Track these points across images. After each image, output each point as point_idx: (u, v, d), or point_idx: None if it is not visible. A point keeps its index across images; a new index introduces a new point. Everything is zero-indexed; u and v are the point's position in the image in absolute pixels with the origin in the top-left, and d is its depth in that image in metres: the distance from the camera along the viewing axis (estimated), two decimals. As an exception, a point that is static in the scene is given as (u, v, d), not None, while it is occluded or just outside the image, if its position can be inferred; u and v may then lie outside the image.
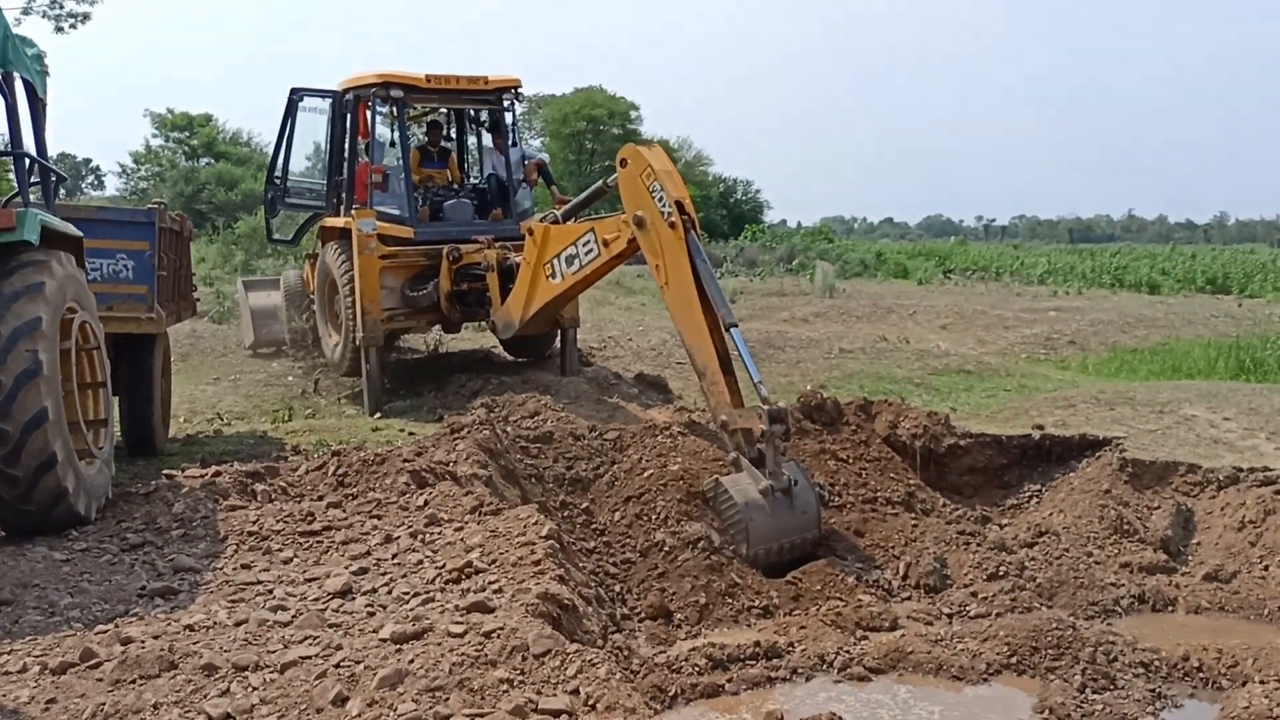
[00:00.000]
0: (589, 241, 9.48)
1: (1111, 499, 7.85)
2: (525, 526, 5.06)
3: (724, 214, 44.57)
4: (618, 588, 7.05)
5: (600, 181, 10.15)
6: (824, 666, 5.53)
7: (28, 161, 5.95)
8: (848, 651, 5.62)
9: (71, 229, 6.11)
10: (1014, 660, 5.49)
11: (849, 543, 7.87)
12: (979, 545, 7.30)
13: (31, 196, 6.19)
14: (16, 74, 5.76)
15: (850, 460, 8.75)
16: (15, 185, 6.05)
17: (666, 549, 7.50)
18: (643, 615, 6.69)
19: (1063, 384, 11.91)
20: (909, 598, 6.94)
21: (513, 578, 4.52)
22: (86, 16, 20.74)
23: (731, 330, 7.97)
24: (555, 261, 9.82)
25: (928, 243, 55.49)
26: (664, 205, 8.31)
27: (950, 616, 6.54)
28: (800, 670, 5.49)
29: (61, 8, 20.55)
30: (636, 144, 8.98)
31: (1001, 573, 6.85)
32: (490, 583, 4.48)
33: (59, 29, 20.57)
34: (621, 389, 11.26)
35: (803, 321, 17.15)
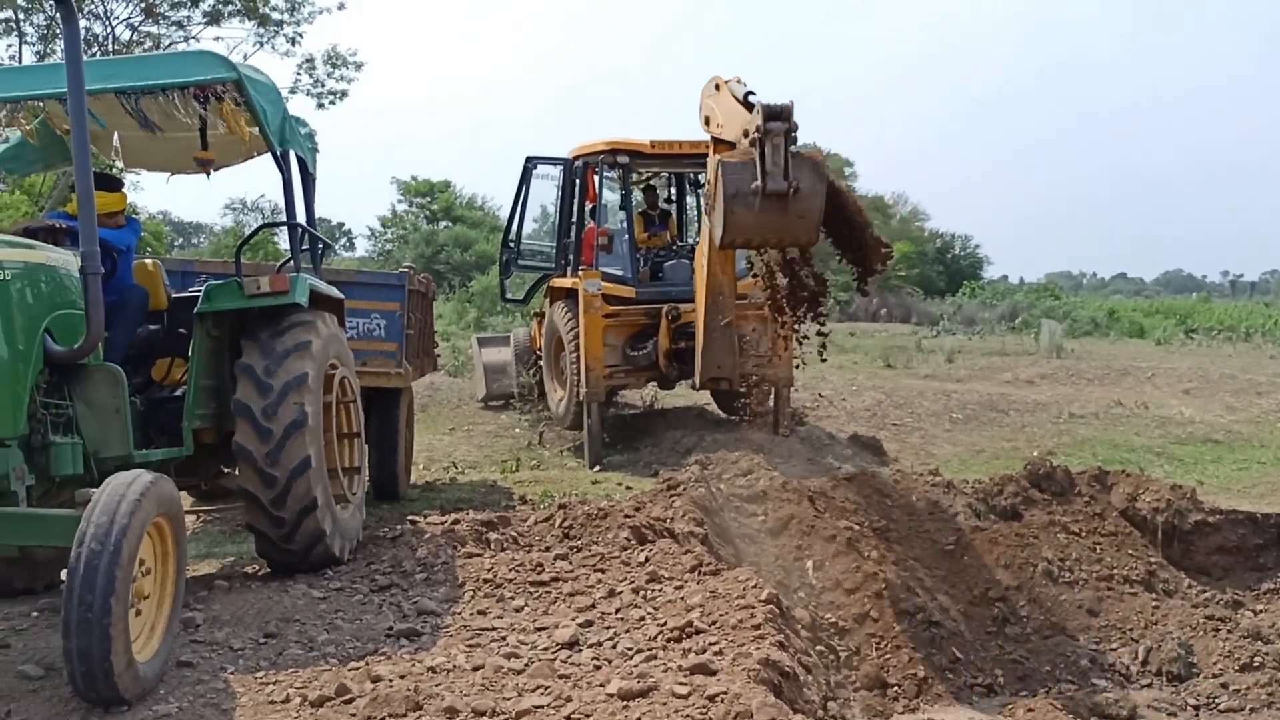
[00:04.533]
0: None
1: (1386, 589, 7.13)
2: (744, 589, 5.11)
3: (940, 270, 43.37)
4: (831, 655, 6.98)
5: None
6: (1054, 754, 5.28)
7: (299, 230, 6.57)
8: (1081, 740, 5.34)
9: (335, 292, 6.69)
10: (1272, 763, 5.07)
11: (1081, 621, 7.49)
12: (1230, 632, 6.78)
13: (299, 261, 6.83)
14: (292, 151, 6.39)
15: (1083, 534, 8.34)
16: (280, 248, 6.74)
17: (881, 617, 7.37)
18: (858, 685, 6.58)
19: (1326, 458, 10.91)
20: (1149, 685, 6.52)
21: (733, 640, 4.58)
22: (344, 94, 22.70)
23: None
24: None
25: (1166, 299, 51.94)
26: None
27: (1197, 709, 6.10)
28: (1028, 756, 5.26)
29: (323, 86, 22.59)
30: None
31: (1257, 664, 6.34)
32: (711, 644, 4.56)
33: (320, 105, 22.60)
34: (835, 449, 11.17)
35: (1028, 383, 16.45)
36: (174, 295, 6.46)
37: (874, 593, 7.71)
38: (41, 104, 5.43)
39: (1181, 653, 6.72)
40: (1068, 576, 7.68)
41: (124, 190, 6.21)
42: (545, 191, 13.37)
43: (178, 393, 5.94)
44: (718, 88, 8.30)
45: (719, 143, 8.38)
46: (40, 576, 5.95)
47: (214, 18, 21.54)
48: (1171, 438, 12.19)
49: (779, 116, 6.88)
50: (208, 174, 5.82)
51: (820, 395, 14.19)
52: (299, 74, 22.43)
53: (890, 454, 11.31)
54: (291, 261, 6.51)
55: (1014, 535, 8.63)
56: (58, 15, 4.77)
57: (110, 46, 20.12)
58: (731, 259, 9.52)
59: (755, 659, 4.27)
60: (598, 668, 4.44)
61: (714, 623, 4.78)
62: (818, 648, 6.73)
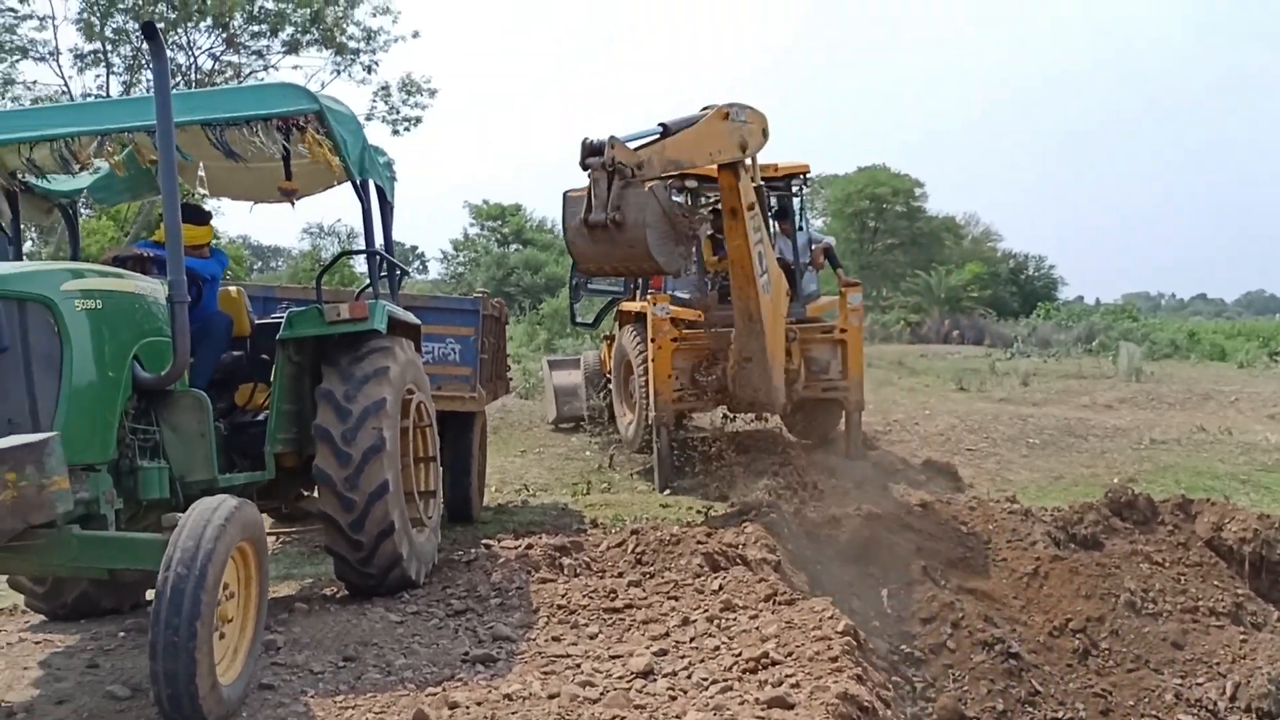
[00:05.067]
0: None
1: None
2: (821, 619, 5.05)
3: (1014, 291, 42.67)
4: (906, 687, 6.86)
5: None
6: (1143, 794, 5.11)
7: (378, 258, 6.67)
8: (1171, 780, 5.17)
9: (411, 318, 6.78)
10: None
11: (1166, 655, 7.29)
12: (1326, 670, 6.53)
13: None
14: (371, 180, 6.50)
15: (1167, 564, 8.12)
16: (355, 272, 6.83)
17: (959, 648, 7.23)
18: (935, 717, 6.46)
19: None
20: (1239, 723, 6.30)
21: (810, 673, 4.52)
22: (418, 120, 23.14)
23: None
24: None
25: (1249, 321, 50.41)
26: None
27: (1291, 750, 5.87)
28: (1115, 796, 5.10)
29: (397, 114, 23.08)
30: None
31: (1355, 704, 6.09)
32: (787, 676, 4.50)
33: (395, 132, 23.07)
34: (908, 475, 11.01)
35: (1106, 408, 16.06)
36: (256, 321, 6.60)
37: (951, 623, 7.59)
38: (129, 136, 5.59)
39: (1272, 689, 6.51)
40: (1151, 608, 7.48)
41: (211, 224, 6.38)
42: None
43: (260, 417, 6.07)
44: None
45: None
46: (126, 597, 6.11)
47: (293, 47, 22.12)
48: (1257, 464, 11.79)
49: (597, 152, 7.55)
50: (292, 203, 5.95)
51: (893, 420, 14.00)
52: (374, 101, 22.91)
53: (965, 480, 11.11)
54: (370, 288, 6.60)
55: (1095, 565, 8.44)
56: (147, 49, 4.90)
57: (193, 76, 20.75)
58: (753, 284, 9.77)
59: (834, 693, 4.21)
60: (673, 698, 4.41)
61: (790, 654, 4.72)
62: (893, 679, 6.61)
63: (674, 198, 11.98)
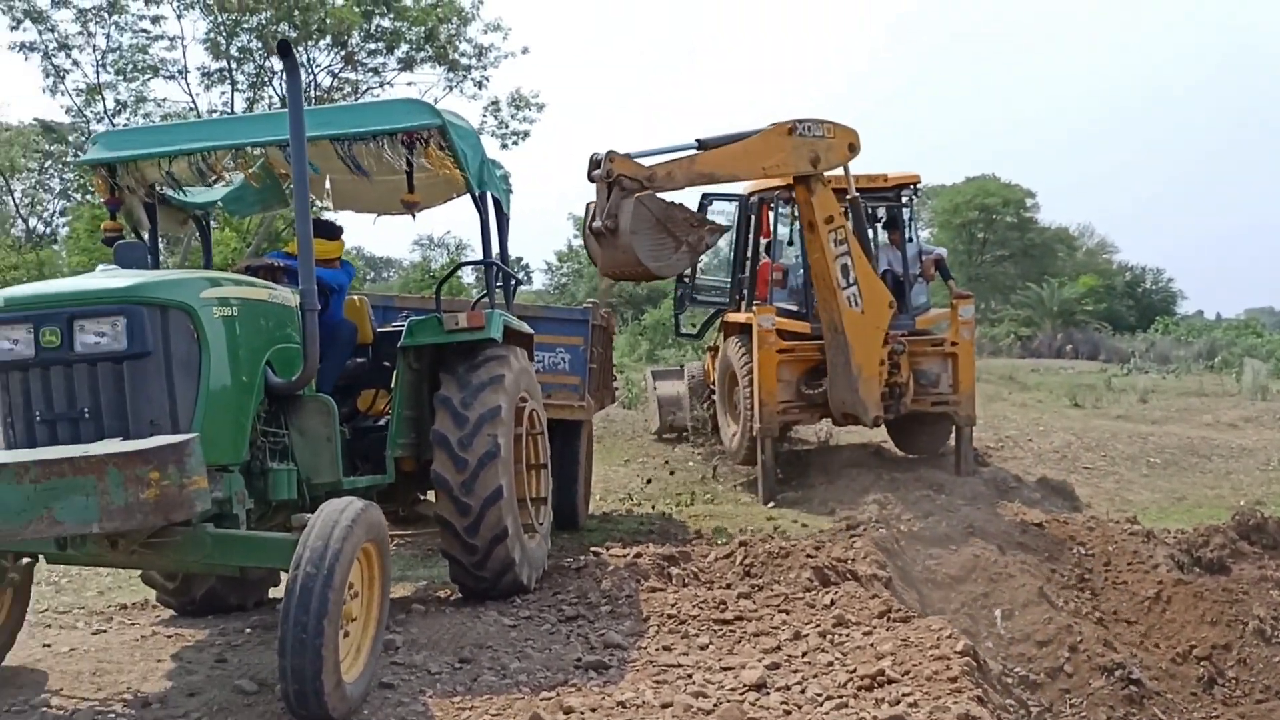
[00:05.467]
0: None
1: None
2: (939, 638, 4.95)
3: (1130, 304, 41.33)
4: (1021, 710, 6.67)
5: None
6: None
7: (494, 268, 6.80)
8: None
9: (525, 327, 6.89)
10: None
11: (1301, 688, 6.93)
12: None
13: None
14: (489, 193, 6.63)
15: (1300, 592, 7.74)
16: (463, 283, 6.99)
17: (1076, 672, 7.02)
18: (1053, 742, 6.28)
19: None
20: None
21: (928, 693, 4.43)
22: (526, 134, 23.51)
23: None
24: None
25: (1385, 337, 47.81)
26: None
27: None
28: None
29: (506, 128, 23.44)
30: None
31: None
32: (905, 695, 4.42)
33: (504, 146, 23.47)
34: (1022, 493, 10.74)
35: (1230, 427, 15.40)
36: (378, 330, 6.79)
37: (1069, 646, 7.38)
38: (262, 150, 5.82)
39: None
40: (1286, 639, 7.13)
41: (342, 239, 6.60)
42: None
43: (380, 423, 6.23)
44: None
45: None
46: (251, 594, 6.33)
47: (408, 64, 22.69)
48: (1397, 489, 11.19)
49: (596, 165, 8.43)
50: (413, 215, 6.10)
51: (1005, 436, 13.67)
52: (485, 115, 23.34)
53: (1082, 499, 10.80)
54: (486, 297, 6.73)
55: (1221, 590, 8.12)
56: (283, 67, 5.09)
57: (313, 93, 21.42)
58: (835, 296, 10.08)
59: (954, 714, 4.12)
60: (787, 713, 4.38)
61: (907, 672, 4.64)
62: (1008, 701, 6.45)
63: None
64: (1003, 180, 45.50)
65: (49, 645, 5.47)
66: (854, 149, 10.22)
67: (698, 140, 9.74)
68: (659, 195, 8.55)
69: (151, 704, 4.52)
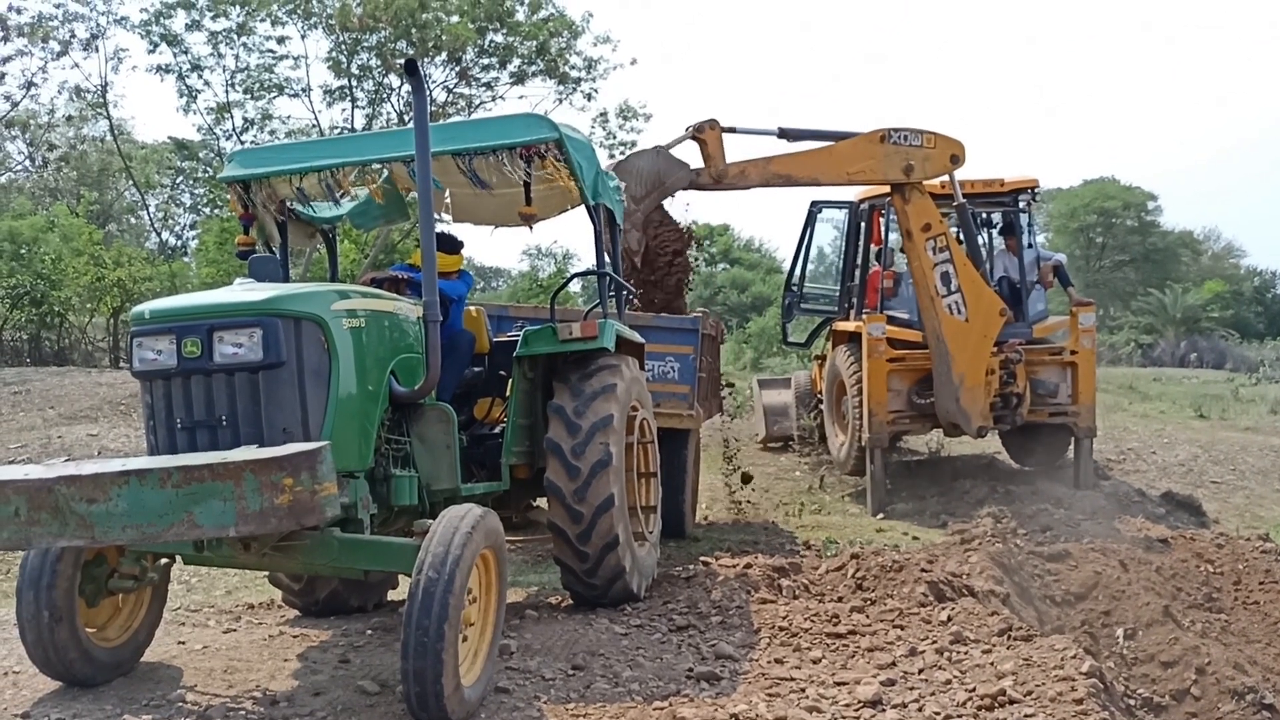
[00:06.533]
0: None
1: None
2: (1063, 659, 4.82)
3: (1259, 311, 39.49)
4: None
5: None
6: None
7: (607, 278, 6.88)
8: None
9: (637, 336, 6.96)
10: None
11: None
12: None
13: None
14: (603, 204, 6.72)
15: None
16: (570, 292, 7.07)
17: (1204, 695, 6.74)
18: (1181, 768, 6.04)
19: None
20: None
21: (1052, 714, 4.32)
22: (634, 144, 23.86)
23: None
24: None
25: None
26: None
27: None
28: None
29: (614, 138, 23.78)
30: None
31: None
32: (1027, 716, 4.32)
33: (611, 156, 23.77)
34: (1145, 508, 10.37)
35: (1371, 441, 14.60)
36: (493, 339, 6.93)
37: (1196, 668, 7.08)
38: (387, 166, 6.00)
39: None
40: None
41: (462, 252, 6.77)
42: (826, 234, 13.37)
43: (496, 430, 6.37)
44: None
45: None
46: (371, 596, 6.52)
47: (519, 78, 23.16)
48: None
49: (700, 128, 9.86)
50: (530, 227, 6.21)
51: (1126, 448, 13.21)
52: (593, 127, 23.66)
53: (1210, 515, 10.38)
54: (599, 306, 6.81)
55: (1363, 614, 7.69)
56: (409, 86, 5.24)
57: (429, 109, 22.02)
58: (935, 304, 10.09)
59: (1079, 736, 4.01)
60: (904, 730, 4.32)
61: (1029, 693, 4.53)
62: (1132, 725, 6.24)
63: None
64: (1122, 183, 44.02)
65: (183, 642, 5.71)
66: (957, 160, 10.08)
67: (780, 129, 9.78)
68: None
69: (279, 702, 4.68)
